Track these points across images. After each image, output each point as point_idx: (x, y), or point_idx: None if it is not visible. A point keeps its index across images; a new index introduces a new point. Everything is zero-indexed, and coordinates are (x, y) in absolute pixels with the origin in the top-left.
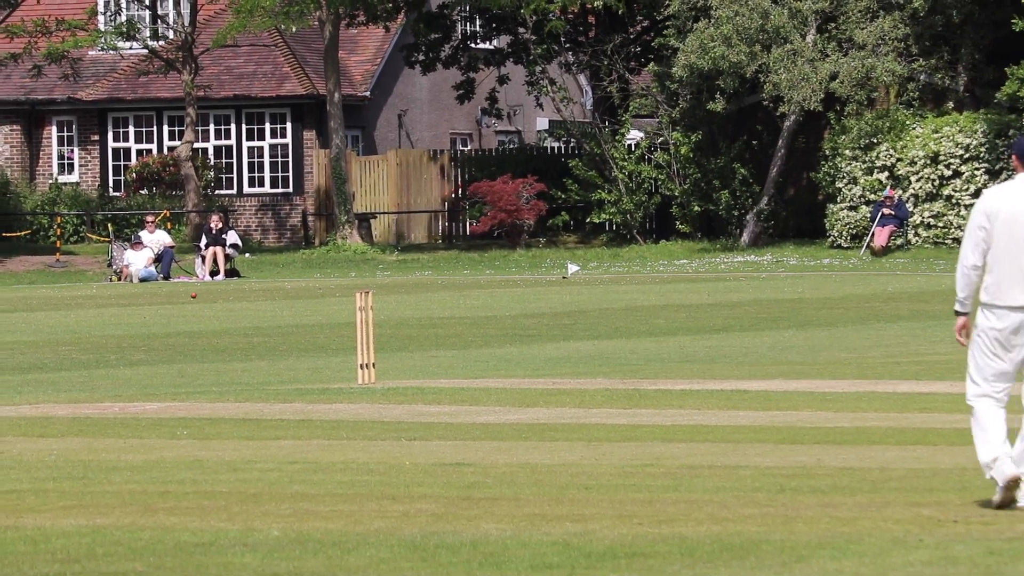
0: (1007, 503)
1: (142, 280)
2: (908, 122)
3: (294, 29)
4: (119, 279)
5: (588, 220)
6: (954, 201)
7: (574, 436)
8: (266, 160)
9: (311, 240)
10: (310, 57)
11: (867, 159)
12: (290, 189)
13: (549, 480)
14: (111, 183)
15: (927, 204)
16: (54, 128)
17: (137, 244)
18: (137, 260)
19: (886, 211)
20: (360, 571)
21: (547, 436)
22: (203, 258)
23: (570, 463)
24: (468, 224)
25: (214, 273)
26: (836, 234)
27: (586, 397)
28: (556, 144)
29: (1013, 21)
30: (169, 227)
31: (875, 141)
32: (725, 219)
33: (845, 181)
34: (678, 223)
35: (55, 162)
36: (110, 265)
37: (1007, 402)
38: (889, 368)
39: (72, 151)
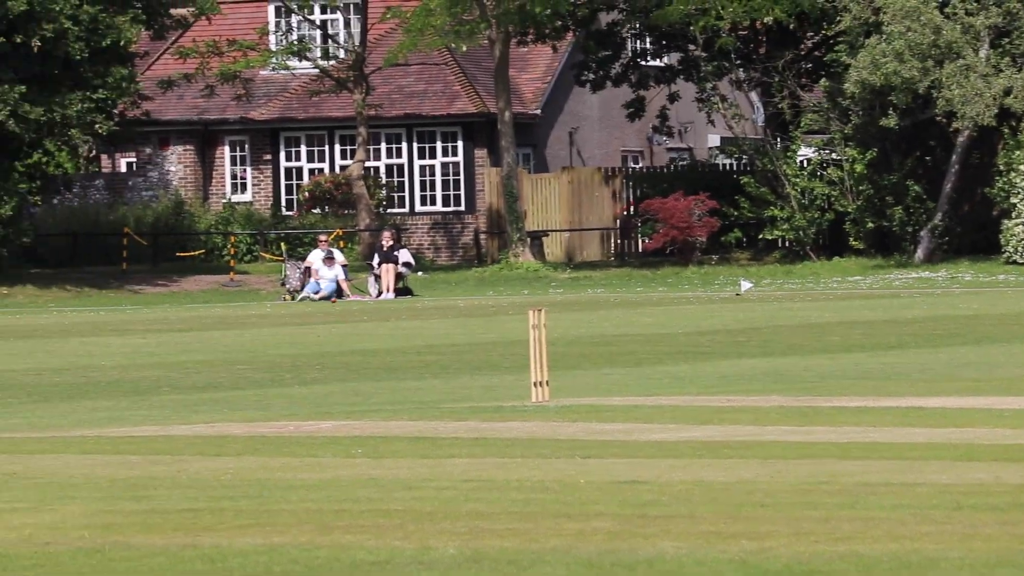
0: None
1: (327, 295)
2: None
3: (464, 48)
4: (292, 298)
5: (761, 237)
6: None
7: (749, 454)
8: (438, 178)
9: (483, 258)
10: (480, 76)
11: None
12: (462, 207)
13: (724, 498)
14: (283, 202)
15: None
16: (227, 148)
17: (329, 260)
18: (326, 275)
19: None
20: None
21: (722, 454)
22: (376, 277)
23: (745, 480)
24: (640, 242)
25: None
26: (1011, 250)
27: (760, 414)
28: (728, 161)
29: None
30: (342, 246)
31: None
32: (899, 235)
33: (1020, 196)
34: (851, 240)
35: (228, 182)
36: (283, 284)
37: None
38: None
39: (245, 171)
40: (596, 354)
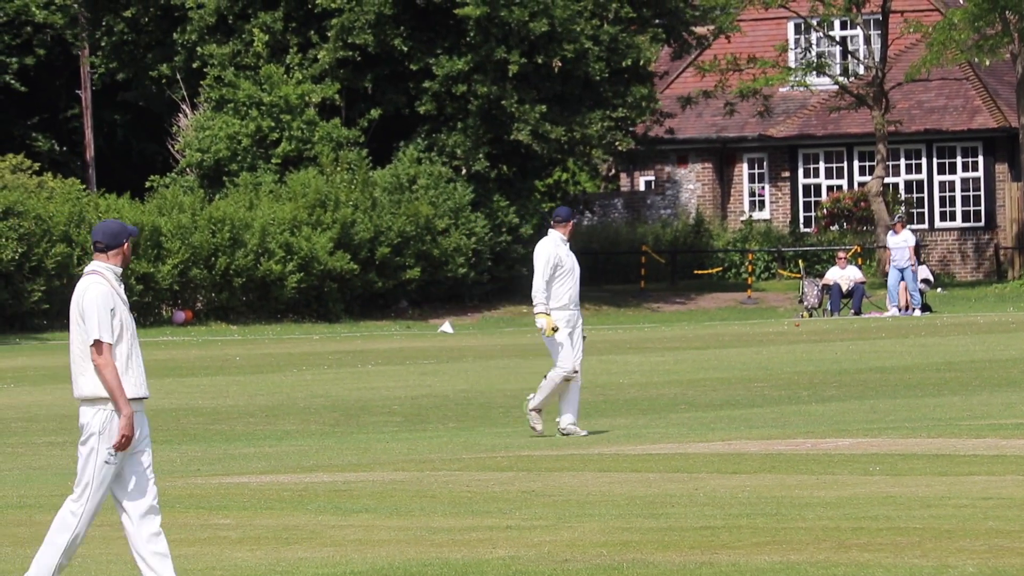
0: None
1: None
2: None
3: (987, 63)
4: (810, 316)
5: None
6: None
7: None
8: (957, 194)
9: (1004, 274)
10: (1002, 90)
11: None
12: (982, 223)
13: None
14: (801, 219)
15: None
16: (744, 165)
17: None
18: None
19: None
20: None
21: None
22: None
23: None
24: None
25: (905, 308)
26: None
27: None
28: None
29: None
30: (860, 263)
31: None
32: None
33: None
34: None
35: (746, 199)
36: (801, 301)
37: None
38: None
39: (763, 188)
40: None
